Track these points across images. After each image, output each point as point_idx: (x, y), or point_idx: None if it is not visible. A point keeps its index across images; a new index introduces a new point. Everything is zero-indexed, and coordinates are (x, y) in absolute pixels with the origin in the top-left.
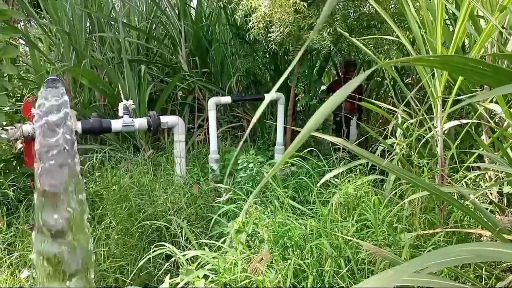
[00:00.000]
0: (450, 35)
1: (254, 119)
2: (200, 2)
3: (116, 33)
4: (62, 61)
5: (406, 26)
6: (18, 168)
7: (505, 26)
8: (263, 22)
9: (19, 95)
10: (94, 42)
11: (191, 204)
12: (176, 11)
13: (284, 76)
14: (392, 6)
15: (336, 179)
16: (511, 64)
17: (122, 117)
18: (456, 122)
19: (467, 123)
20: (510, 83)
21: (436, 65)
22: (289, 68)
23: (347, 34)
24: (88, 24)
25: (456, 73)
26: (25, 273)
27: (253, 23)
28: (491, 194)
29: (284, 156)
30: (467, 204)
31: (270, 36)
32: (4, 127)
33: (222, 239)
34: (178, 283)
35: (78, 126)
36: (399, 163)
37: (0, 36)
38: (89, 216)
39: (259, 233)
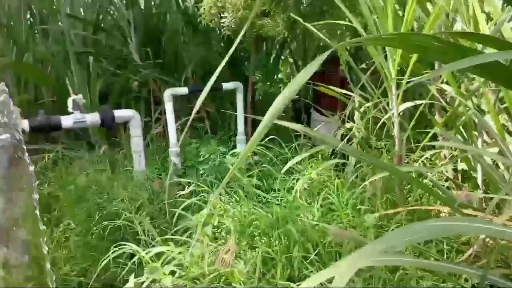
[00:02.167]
0: (401, 19)
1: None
2: None
3: (60, 24)
4: (2, 56)
5: (357, 11)
6: None
7: (450, 9)
8: (215, 8)
9: None
10: (37, 34)
11: (153, 200)
12: (124, 1)
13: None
14: None
15: (299, 166)
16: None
17: (72, 113)
18: (410, 104)
19: (420, 104)
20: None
21: (395, 43)
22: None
23: (301, 20)
24: (28, 16)
25: (413, 51)
26: None
27: (204, 8)
28: (446, 171)
29: (249, 145)
30: (425, 183)
31: (223, 22)
32: None
33: (187, 233)
34: (143, 282)
35: (25, 124)
36: (358, 146)
37: None
38: (45, 219)
39: (225, 224)
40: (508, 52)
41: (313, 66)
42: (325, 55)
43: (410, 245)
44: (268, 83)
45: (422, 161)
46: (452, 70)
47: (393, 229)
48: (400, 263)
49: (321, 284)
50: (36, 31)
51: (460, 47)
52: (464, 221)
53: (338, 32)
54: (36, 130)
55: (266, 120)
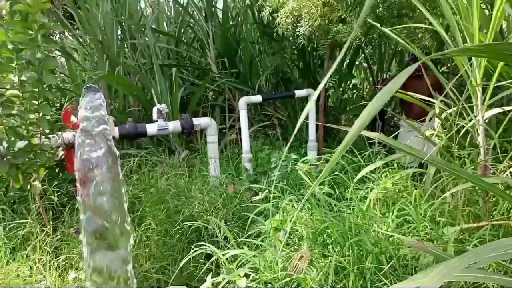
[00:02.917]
0: (486, 19)
1: (298, 122)
2: (226, 3)
3: (146, 39)
4: (97, 69)
5: (438, 13)
6: (60, 174)
7: None
8: (291, 17)
9: (58, 105)
10: (126, 49)
11: (227, 204)
12: (203, 14)
13: (327, 77)
14: None
15: (372, 174)
16: None
17: (156, 121)
18: (497, 110)
19: (510, 111)
20: None
21: (483, 54)
22: (333, 67)
23: (378, 25)
24: (119, 32)
25: (505, 61)
26: (72, 275)
27: (281, 18)
28: None
29: (336, 154)
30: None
31: (299, 31)
32: (47, 135)
33: (260, 238)
34: (219, 282)
35: (116, 131)
36: (439, 155)
37: (42, 48)
38: (129, 218)
39: (297, 230)
40: None
41: (403, 77)
42: (414, 66)
43: (495, 263)
44: (340, 89)
45: (510, 172)
46: None
47: (475, 244)
48: (486, 280)
49: None
50: (126, 46)
51: None
52: None
53: (419, 35)
54: (124, 137)
55: (353, 131)
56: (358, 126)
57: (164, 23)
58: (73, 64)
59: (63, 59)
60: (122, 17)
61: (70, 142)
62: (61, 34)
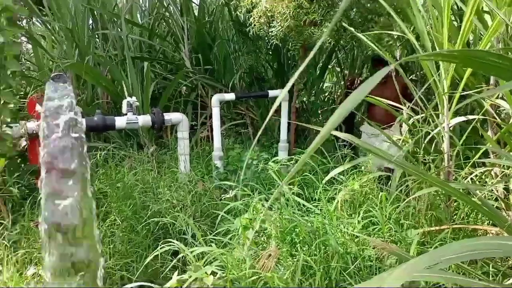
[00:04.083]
0: (455, 30)
1: (266, 120)
2: None
3: (119, 30)
4: (65, 58)
5: (410, 21)
6: (22, 165)
7: (511, 20)
8: (264, 17)
9: (22, 93)
10: (97, 39)
11: (196, 202)
12: (179, 8)
13: (295, 77)
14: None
15: (341, 176)
16: None
17: (125, 114)
18: (462, 118)
19: (473, 119)
20: None
21: (454, 59)
22: (300, 68)
23: (352, 29)
24: (91, 21)
25: (472, 67)
26: (31, 270)
27: (254, 18)
28: (497, 190)
29: (304, 156)
30: (474, 201)
31: (272, 31)
32: (9, 124)
33: (228, 236)
34: (186, 280)
35: (83, 123)
36: (405, 159)
37: (6, 33)
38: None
39: (266, 229)
40: None
41: (374, 80)
42: (387, 70)
43: (455, 264)
44: (313, 91)
45: (471, 178)
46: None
47: (436, 247)
48: (446, 280)
49: None
50: (97, 36)
51: None
52: None
53: (390, 42)
54: (92, 129)
55: (323, 133)
56: (328, 127)
57: (138, 15)
58: (40, 51)
59: (29, 46)
60: (95, 6)
61: (34, 132)
62: (29, 20)
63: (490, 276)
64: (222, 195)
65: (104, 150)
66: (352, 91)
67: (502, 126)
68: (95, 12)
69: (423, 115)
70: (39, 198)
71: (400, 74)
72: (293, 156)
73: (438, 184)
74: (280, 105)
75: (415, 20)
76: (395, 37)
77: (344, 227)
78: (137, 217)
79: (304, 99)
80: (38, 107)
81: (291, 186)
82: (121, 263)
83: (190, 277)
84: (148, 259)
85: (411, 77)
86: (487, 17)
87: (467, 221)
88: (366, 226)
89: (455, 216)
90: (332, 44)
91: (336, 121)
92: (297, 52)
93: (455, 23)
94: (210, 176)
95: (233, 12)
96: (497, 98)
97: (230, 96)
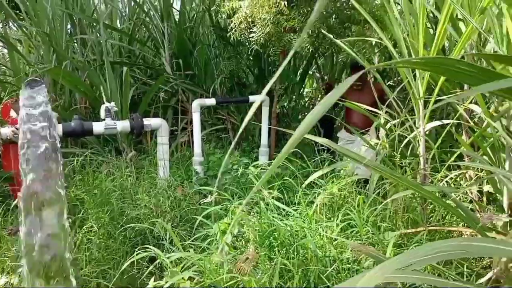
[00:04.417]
0: (431, 37)
1: (243, 124)
2: (184, 4)
3: (98, 35)
4: (42, 63)
5: (387, 29)
6: None
7: (483, 28)
8: (245, 22)
9: None
10: (76, 44)
11: (175, 207)
12: (159, 13)
13: (273, 80)
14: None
15: (320, 180)
16: (489, 65)
17: (104, 119)
18: (437, 123)
19: (447, 124)
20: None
21: (425, 67)
22: (277, 73)
23: (331, 36)
24: (69, 26)
25: (443, 75)
26: (3, 280)
27: (234, 23)
28: (471, 193)
29: (278, 158)
30: (448, 203)
31: (252, 37)
32: None
33: (207, 241)
34: (162, 286)
35: (59, 129)
36: (382, 163)
37: None
38: (70, 220)
39: (245, 233)
40: None
41: (346, 84)
42: (359, 74)
43: (430, 266)
44: (293, 96)
45: (446, 181)
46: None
47: (412, 248)
48: (418, 281)
49: None
50: (75, 40)
51: (490, 72)
52: (485, 242)
53: (367, 49)
54: (69, 135)
55: (295, 136)
56: (301, 130)
57: (118, 20)
58: (16, 56)
59: (5, 50)
60: (73, 11)
61: (8, 138)
62: (5, 24)
63: (465, 276)
64: (201, 200)
65: (81, 156)
66: None
67: (475, 130)
68: (73, 16)
69: (399, 119)
70: (12, 205)
71: (378, 81)
72: (273, 161)
73: (413, 187)
74: (261, 111)
75: (392, 27)
76: (373, 43)
77: (322, 230)
78: (114, 224)
79: (285, 104)
80: (12, 113)
81: (271, 191)
82: (98, 270)
83: (167, 282)
84: (124, 266)
85: (389, 83)
86: (462, 24)
87: (442, 223)
88: (344, 229)
89: (431, 218)
90: (311, 50)
91: (309, 125)
92: (278, 58)
93: (431, 30)
94: (190, 181)
95: (214, 18)
96: (470, 103)
97: (211, 101)
